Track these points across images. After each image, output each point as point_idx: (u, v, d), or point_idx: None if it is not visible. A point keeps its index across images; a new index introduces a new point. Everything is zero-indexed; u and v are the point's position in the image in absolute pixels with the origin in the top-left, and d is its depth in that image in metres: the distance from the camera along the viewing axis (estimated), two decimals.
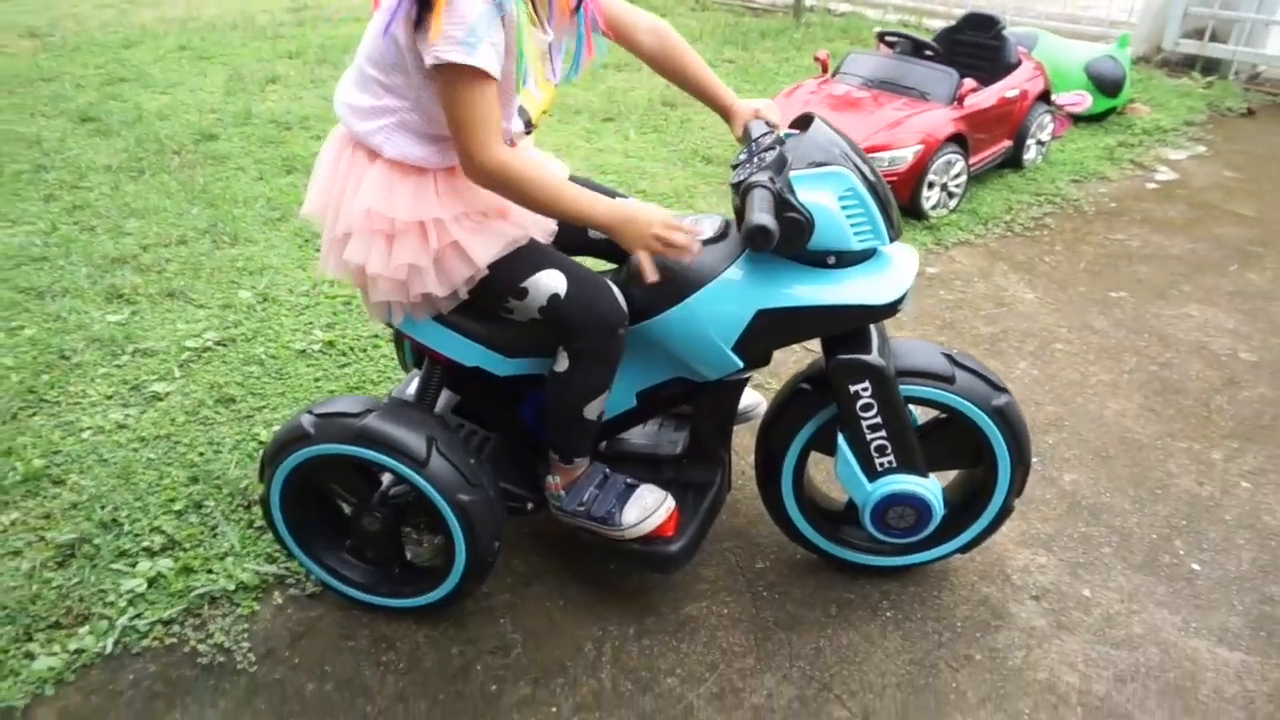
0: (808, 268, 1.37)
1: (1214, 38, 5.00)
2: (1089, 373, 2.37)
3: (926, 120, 3.14)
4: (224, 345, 2.44)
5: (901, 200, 3.13)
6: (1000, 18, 3.65)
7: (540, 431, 1.57)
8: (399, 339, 1.74)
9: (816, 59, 3.57)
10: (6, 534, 1.81)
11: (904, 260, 1.43)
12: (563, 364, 1.42)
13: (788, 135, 1.46)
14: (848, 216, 1.32)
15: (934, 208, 3.19)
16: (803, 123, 1.48)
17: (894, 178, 3.06)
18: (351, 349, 2.42)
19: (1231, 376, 2.35)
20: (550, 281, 1.37)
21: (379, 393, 2.24)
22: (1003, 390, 1.51)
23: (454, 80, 1.20)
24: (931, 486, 1.50)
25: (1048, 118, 3.66)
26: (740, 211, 1.30)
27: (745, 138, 1.50)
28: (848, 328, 1.43)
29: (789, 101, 3.45)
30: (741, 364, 1.43)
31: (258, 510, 1.83)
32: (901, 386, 1.45)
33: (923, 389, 1.49)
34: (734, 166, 1.43)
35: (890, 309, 1.38)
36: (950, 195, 3.24)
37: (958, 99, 3.22)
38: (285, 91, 4.78)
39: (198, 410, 2.17)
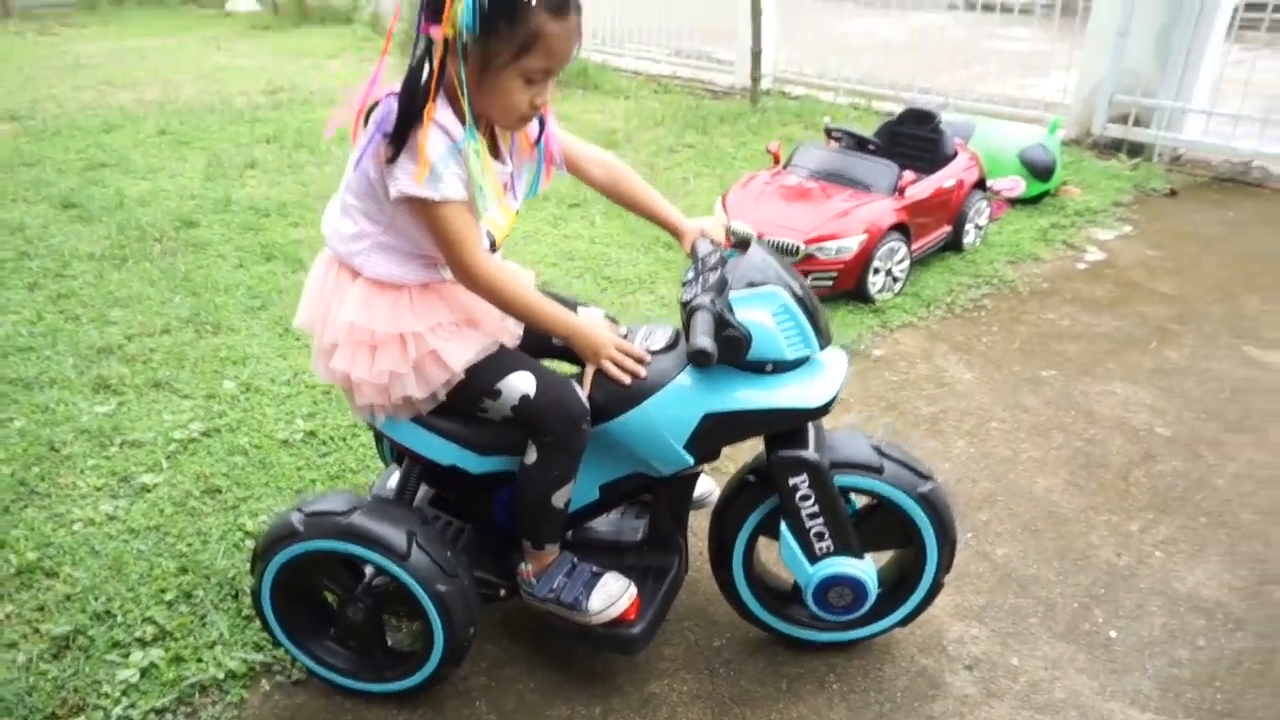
0: (749, 374, 1.56)
1: (1138, 123, 5.37)
2: (1020, 450, 2.57)
3: (870, 211, 3.39)
4: (209, 436, 2.56)
5: (849, 286, 3.35)
6: (937, 113, 3.94)
7: (510, 523, 1.72)
8: (379, 434, 1.89)
9: (769, 151, 3.83)
10: (2, 626, 1.90)
11: (835, 365, 1.63)
12: (532, 456, 1.58)
13: (730, 254, 1.65)
14: (781, 330, 1.52)
15: (880, 292, 3.42)
16: (743, 244, 1.68)
17: (841, 265, 3.30)
18: (331, 438, 2.55)
19: (1149, 451, 2.56)
20: (520, 383, 1.54)
21: (358, 480, 2.37)
22: (927, 477, 1.69)
23: (428, 210, 1.40)
24: (866, 568, 1.66)
25: (984, 204, 3.94)
26: (688, 327, 1.48)
27: (693, 254, 1.70)
28: (786, 427, 1.61)
29: (745, 191, 3.69)
30: (692, 461, 1.60)
31: (245, 599, 1.95)
32: (836, 477, 1.63)
33: (855, 479, 1.66)
34: (683, 284, 1.62)
35: (822, 410, 1.57)
36: (895, 280, 3.47)
37: (899, 190, 3.47)
38: (263, 177, 4.96)
39: (185, 501, 2.29)
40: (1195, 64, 5.12)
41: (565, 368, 1.70)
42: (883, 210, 3.39)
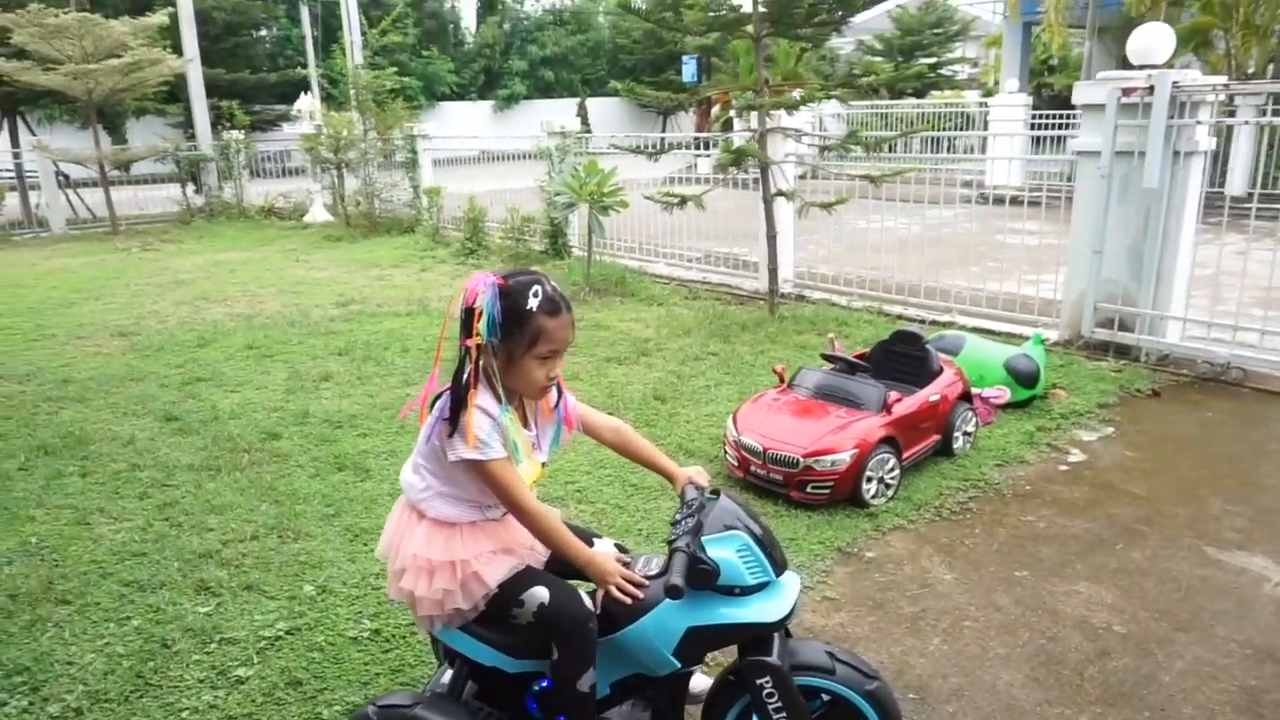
0: (722, 596, 2.02)
1: (1123, 326, 5.90)
2: (989, 647, 2.92)
3: (861, 427, 3.89)
4: (291, 634, 3.03)
5: (845, 494, 3.81)
6: (923, 334, 4.51)
7: (541, 712, 2.15)
8: (434, 637, 2.35)
9: (775, 372, 4.41)
10: None
11: (790, 587, 2.09)
12: (556, 653, 2.04)
13: (708, 499, 2.16)
14: (744, 563, 2.01)
15: (874, 498, 3.86)
16: (716, 491, 2.19)
17: (836, 475, 3.77)
18: (393, 635, 3.01)
19: (1104, 648, 2.89)
20: (539, 593, 2.03)
21: (415, 674, 2.80)
22: (874, 677, 2.10)
23: (482, 469, 1.95)
24: None
25: (970, 414, 4.42)
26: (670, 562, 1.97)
27: (681, 498, 2.21)
28: (753, 637, 2.05)
29: (754, 407, 4.24)
30: (680, 665, 2.04)
31: None
32: (797, 678, 2.04)
33: (813, 679, 2.08)
34: (673, 524, 2.12)
35: (780, 623, 2.02)
36: (887, 486, 3.92)
37: (887, 408, 3.98)
38: (336, 389, 5.66)
39: (273, 692, 2.74)
40: (1168, 276, 5.70)
41: (588, 585, 2.18)
42: (872, 426, 3.90)
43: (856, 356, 4.60)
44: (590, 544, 2.14)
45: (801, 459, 3.80)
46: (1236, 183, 11.84)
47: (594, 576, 2.06)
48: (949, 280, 7.26)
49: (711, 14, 6.86)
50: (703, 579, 1.96)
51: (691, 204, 6.99)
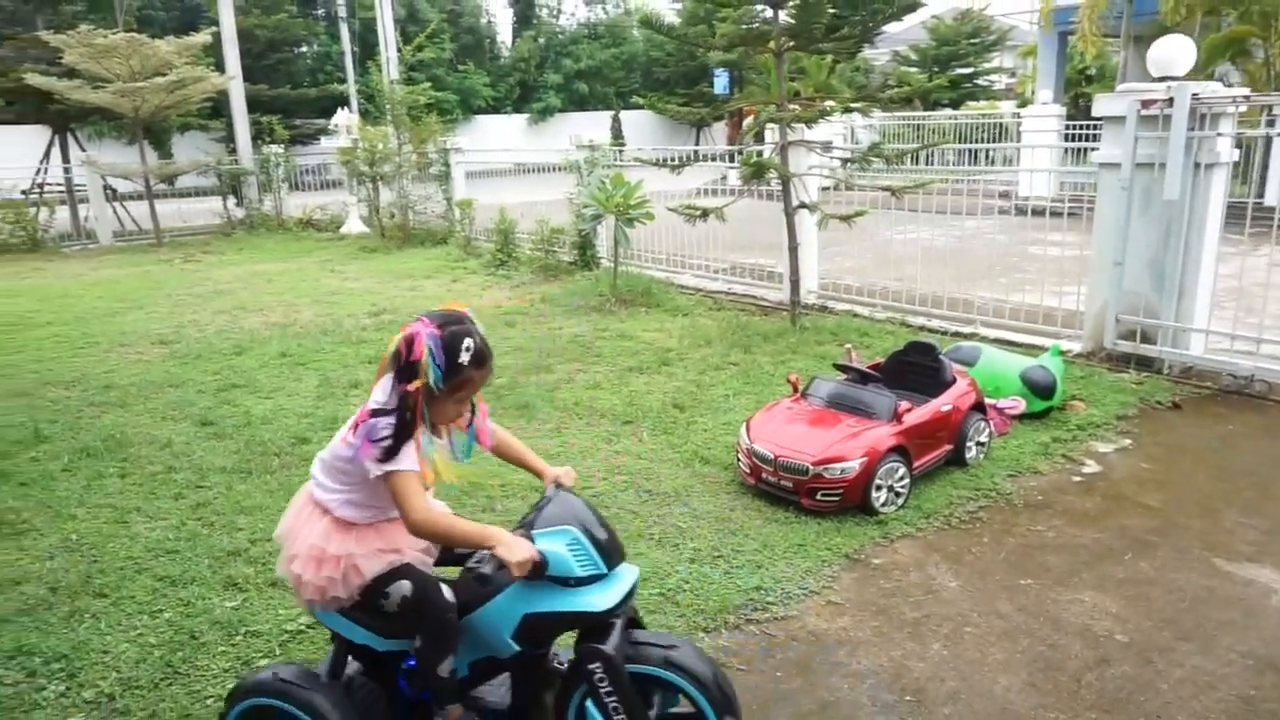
0: (556, 586, 2.15)
1: (1145, 339, 5.87)
2: (988, 653, 2.96)
3: (871, 436, 3.95)
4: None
5: (854, 501, 3.87)
6: (936, 345, 4.56)
7: (409, 689, 2.35)
8: None
9: (789, 381, 4.48)
10: None
11: (625, 579, 2.23)
12: (419, 640, 2.23)
13: (550, 496, 2.29)
14: (574, 555, 2.14)
15: (883, 506, 3.91)
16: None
17: (845, 483, 3.83)
18: None
19: (1104, 656, 2.92)
20: (403, 586, 2.20)
21: None
22: (672, 646, 2.24)
23: (392, 479, 2.11)
24: None
25: (983, 424, 4.45)
26: None
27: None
28: (587, 625, 2.19)
29: (768, 416, 4.32)
30: (518, 648, 2.18)
31: None
32: (642, 668, 2.19)
33: (650, 669, 2.21)
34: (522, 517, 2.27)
35: (610, 613, 2.14)
36: (897, 495, 3.97)
37: (897, 417, 4.04)
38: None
39: None
40: (1190, 288, 5.67)
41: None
42: (882, 435, 3.95)
43: (871, 367, 4.66)
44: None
45: (811, 467, 3.86)
46: (1274, 193, 11.65)
47: (500, 551, 2.11)
48: (974, 292, 7.27)
49: (744, 26, 6.95)
50: (531, 569, 2.07)
51: (715, 216, 7.08)
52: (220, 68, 15.78)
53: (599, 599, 2.14)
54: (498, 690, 2.41)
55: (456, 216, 12.35)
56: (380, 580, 2.20)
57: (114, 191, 15.42)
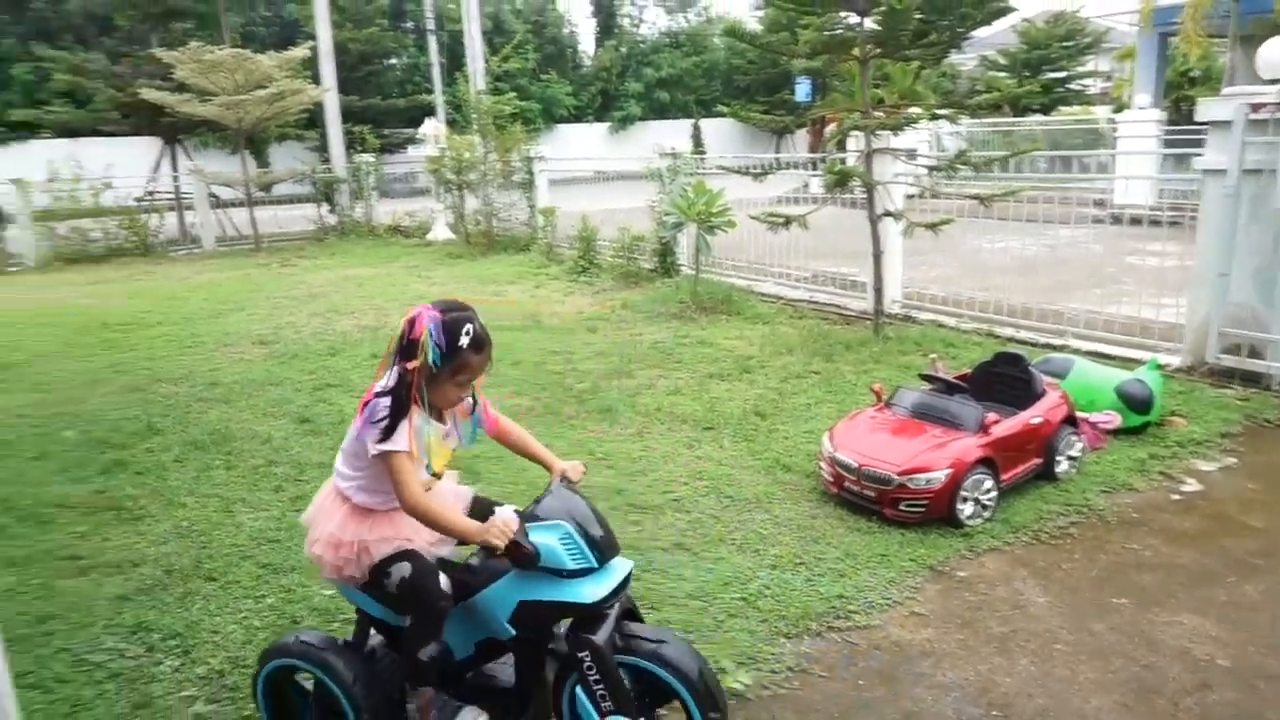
0: (551, 577, 2.24)
1: (1253, 353, 5.62)
2: (1079, 671, 2.89)
3: (957, 447, 3.89)
4: None
5: (939, 513, 3.82)
6: (1025, 356, 4.46)
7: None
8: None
9: (873, 390, 4.45)
10: None
11: (617, 573, 2.30)
12: (408, 621, 2.34)
13: (549, 491, 2.37)
14: (565, 549, 2.23)
15: (969, 518, 3.85)
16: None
17: (930, 494, 3.78)
18: None
19: (1205, 680, 2.82)
20: (403, 568, 2.30)
21: None
22: (660, 640, 2.32)
23: (387, 459, 2.22)
24: None
25: (1075, 438, 4.33)
26: None
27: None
28: (577, 615, 2.26)
29: (851, 424, 4.30)
30: (514, 632, 2.28)
31: None
32: (642, 662, 2.28)
33: (642, 662, 2.29)
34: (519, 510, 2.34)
35: (599, 604, 2.23)
36: (984, 507, 3.90)
37: (984, 428, 3.97)
38: None
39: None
40: None
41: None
42: (968, 446, 3.89)
43: (958, 377, 4.58)
44: (492, 511, 2.40)
45: (896, 476, 3.83)
46: None
47: (480, 542, 2.22)
48: (1066, 303, 7.06)
49: (826, 34, 6.92)
50: (523, 561, 2.19)
51: (797, 224, 7.06)
52: (317, 80, 16.43)
53: (589, 591, 2.24)
54: (504, 670, 2.53)
55: (539, 223, 12.58)
56: (385, 561, 2.33)
57: (217, 199, 16.20)
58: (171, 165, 16.66)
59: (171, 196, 16.30)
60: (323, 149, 19.40)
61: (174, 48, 14.29)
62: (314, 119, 18.29)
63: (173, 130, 16.28)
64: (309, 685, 2.54)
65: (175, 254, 14.82)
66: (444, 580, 2.33)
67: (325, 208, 16.71)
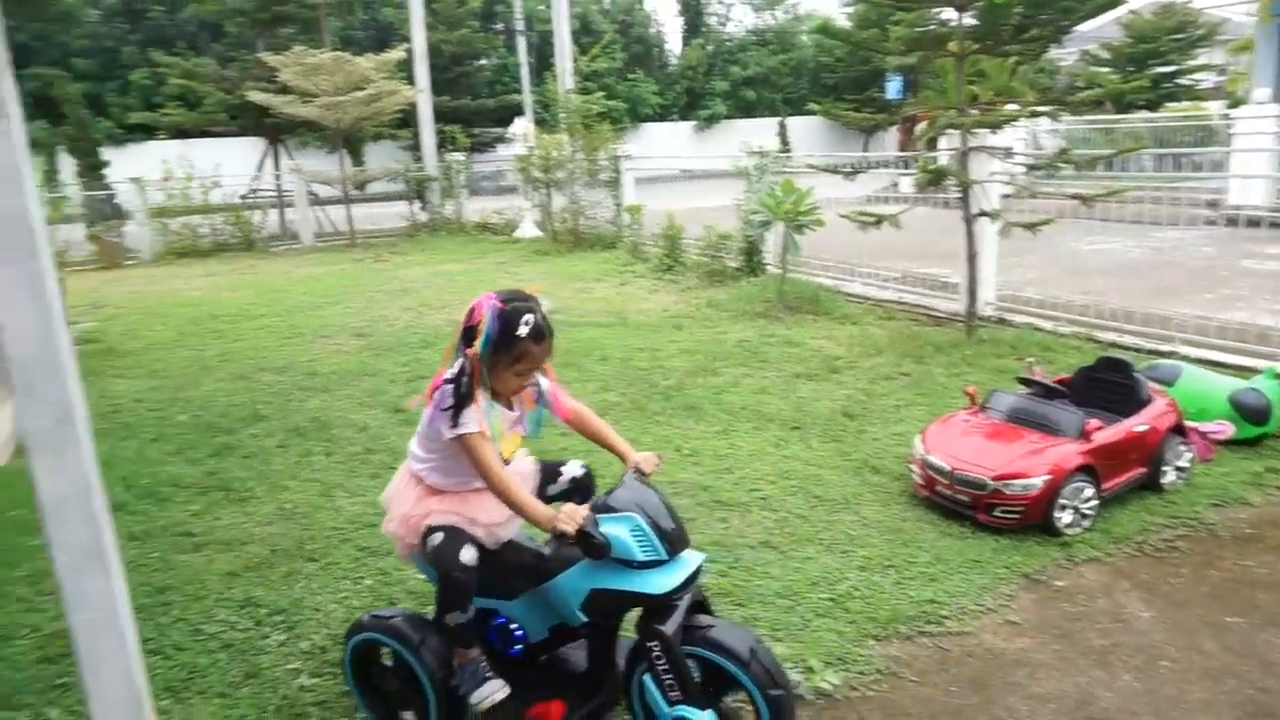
0: (622, 568, 2.26)
1: None
2: (1187, 690, 2.77)
3: (1056, 453, 3.78)
4: None
5: (1036, 520, 3.71)
6: (1130, 362, 4.29)
7: (498, 641, 2.58)
8: None
9: (966, 393, 4.34)
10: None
11: (688, 565, 2.31)
12: (437, 588, 2.43)
13: (623, 483, 2.39)
14: (636, 540, 2.24)
15: (1067, 527, 3.73)
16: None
17: (1027, 501, 3.68)
18: None
19: None
20: (435, 538, 2.39)
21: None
22: (784, 688, 2.26)
23: (464, 441, 2.32)
24: (706, 716, 2.23)
25: (1183, 447, 4.15)
26: None
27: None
28: (646, 605, 2.27)
29: (944, 428, 4.21)
30: (585, 619, 2.33)
31: None
32: (714, 657, 2.27)
33: (726, 663, 2.28)
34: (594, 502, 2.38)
35: (668, 596, 2.25)
36: (1083, 516, 3.77)
37: (1085, 435, 3.83)
38: None
39: None
40: None
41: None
42: (1068, 453, 3.77)
43: (1057, 382, 4.44)
44: (558, 471, 2.66)
45: (990, 481, 3.74)
46: None
47: (549, 528, 2.26)
48: (1175, 308, 6.75)
49: (918, 30, 6.78)
50: (594, 551, 2.22)
51: (888, 223, 6.94)
52: (411, 81, 16.90)
53: (659, 582, 2.27)
54: (577, 654, 2.58)
55: (625, 221, 12.67)
56: (430, 529, 2.41)
57: (316, 196, 16.82)
58: (274, 164, 17.39)
59: (273, 194, 17.01)
60: (415, 148, 19.95)
61: (279, 52, 14.90)
62: (407, 119, 18.82)
63: (275, 131, 16.99)
64: (390, 664, 2.64)
65: (276, 249, 15.45)
66: (469, 553, 2.37)
67: (417, 205, 17.18)
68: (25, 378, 1.92)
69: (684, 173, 14.28)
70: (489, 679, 2.43)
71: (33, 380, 1.93)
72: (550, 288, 10.23)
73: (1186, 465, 4.19)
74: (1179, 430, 4.17)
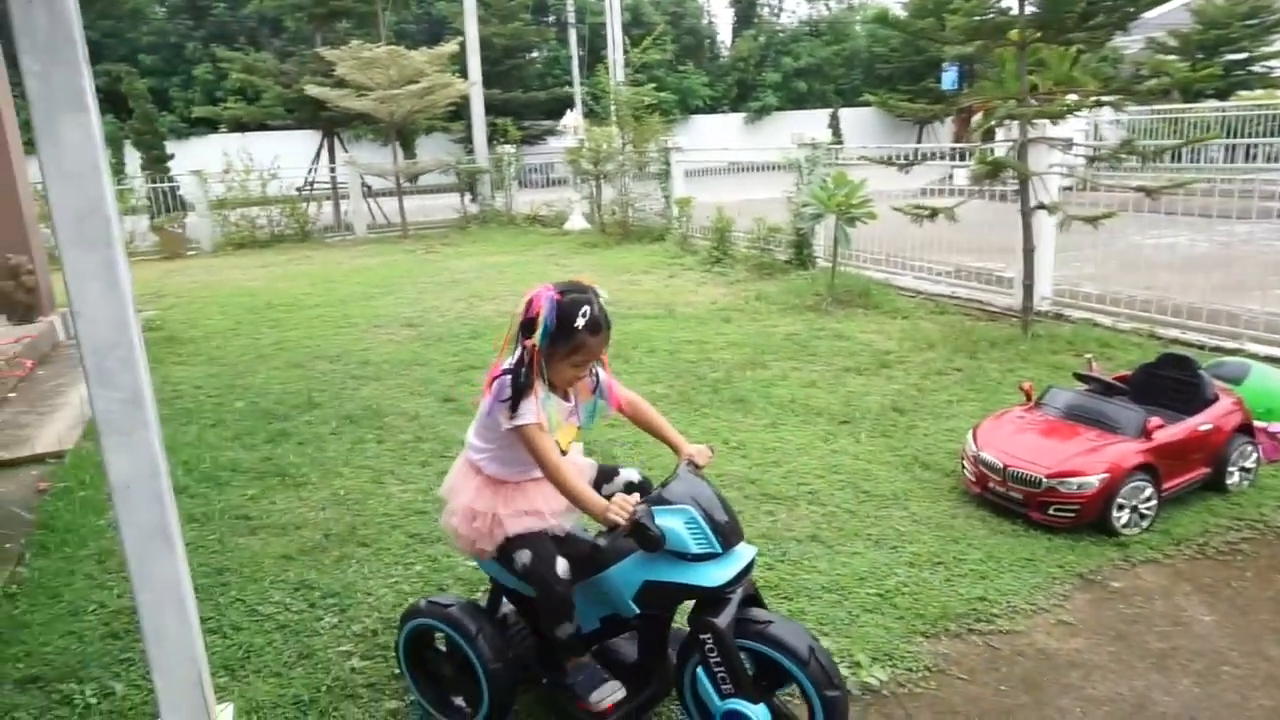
0: (675, 560, 2.25)
1: None
2: (1251, 697, 2.69)
3: (1114, 451, 3.68)
4: None
5: (1091, 518, 3.62)
6: (1195, 359, 4.16)
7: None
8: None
9: (1021, 389, 4.26)
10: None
11: (741, 558, 2.30)
12: (539, 605, 2.42)
13: (677, 476, 2.38)
14: (690, 534, 2.24)
15: (1125, 527, 3.63)
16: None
17: (1083, 499, 3.59)
18: None
19: None
20: (524, 555, 2.38)
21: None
22: (840, 688, 2.22)
23: (521, 432, 2.32)
24: (760, 712, 2.19)
25: (1250, 448, 4.01)
26: None
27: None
28: (698, 597, 2.29)
29: (998, 424, 4.13)
30: (638, 610, 2.34)
31: None
32: (772, 652, 2.24)
33: (783, 659, 2.24)
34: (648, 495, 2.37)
35: (721, 589, 2.25)
36: (1142, 516, 3.67)
37: (1146, 433, 3.73)
38: None
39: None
40: None
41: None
42: (1127, 451, 3.67)
43: (1116, 379, 4.33)
44: (615, 474, 2.62)
45: (1045, 479, 3.66)
46: None
47: (601, 518, 2.27)
48: (1243, 304, 6.52)
49: (976, 19, 6.63)
50: (648, 542, 2.21)
51: (943, 216, 6.82)
52: (463, 74, 17.07)
53: (713, 574, 2.26)
54: (628, 646, 2.58)
55: (674, 214, 12.65)
56: (514, 542, 2.41)
57: (369, 188, 17.12)
58: (329, 157, 17.72)
59: (328, 186, 17.34)
60: (467, 140, 20.18)
61: (335, 46, 15.17)
62: (459, 112, 19.05)
63: (331, 124, 17.32)
64: (445, 650, 2.67)
65: (330, 240, 15.75)
66: (562, 565, 2.39)
67: (468, 197, 17.37)
68: (98, 362, 1.99)
69: (732, 165, 14.17)
70: (606, 680, 2.46)
71: (105, 365, 2.00)
72: (598, 280, 10.25)
73: (1252, 466, 4.05)
74: (1246, 430, 4.03)
